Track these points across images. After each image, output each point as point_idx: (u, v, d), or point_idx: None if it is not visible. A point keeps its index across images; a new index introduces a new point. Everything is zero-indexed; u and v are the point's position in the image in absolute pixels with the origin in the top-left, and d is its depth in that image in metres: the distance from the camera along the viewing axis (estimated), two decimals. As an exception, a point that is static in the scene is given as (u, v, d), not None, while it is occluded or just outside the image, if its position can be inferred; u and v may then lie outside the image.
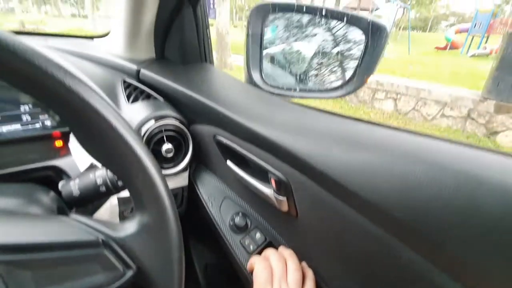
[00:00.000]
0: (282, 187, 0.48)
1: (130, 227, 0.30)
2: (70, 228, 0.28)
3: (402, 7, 11.82)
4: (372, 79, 4.14)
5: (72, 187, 0.39)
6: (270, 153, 0.48)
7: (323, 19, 0.64)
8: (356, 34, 0.64)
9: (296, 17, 0.66)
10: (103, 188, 0.40)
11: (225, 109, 0.53)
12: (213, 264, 0.79)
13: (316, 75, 0.71)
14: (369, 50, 0.63)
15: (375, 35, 0.61)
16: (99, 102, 0.27)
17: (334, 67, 0.70)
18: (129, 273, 0.28)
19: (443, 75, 5.74)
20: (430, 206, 0.30)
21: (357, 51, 0.64)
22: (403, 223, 0.32)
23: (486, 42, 11.15)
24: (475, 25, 10.91)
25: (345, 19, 0.63)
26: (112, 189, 0.40)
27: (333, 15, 0.62)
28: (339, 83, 0.66)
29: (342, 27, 0.64)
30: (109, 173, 0.40)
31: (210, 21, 0.68)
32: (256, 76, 0.64)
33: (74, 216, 0.29)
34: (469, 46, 11.18)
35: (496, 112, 3.19)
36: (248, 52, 0.62)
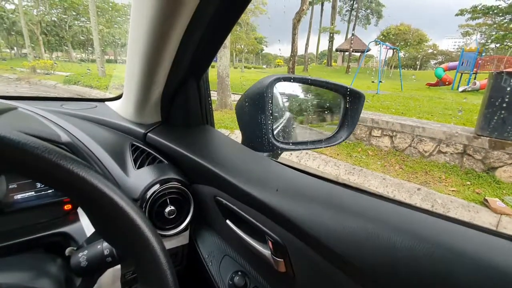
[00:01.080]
0: (279, 249, 0.50)
1: None
2: None
3: (391, 49, 12.61)
4: (367, 117, 4.28)
5: (80, 258, 0.42)
6: (267, 216, 0.51)
7: (313, 87, 0.74)
8: (343, 99, 0.74)
9: (295, 86, 0.76)
10: (109, 259, 0.42)
11: (225, 173, 0.57)
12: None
13: (313, 130, 0.80)
14: (352, 111, 0.71)
15: (355, 99, 0.69)
16: (112, 189, 0.31)
17: (325, 124, 0.79)
18: None
19: (436, 110, 5.94)
20: (412, 276, 0.33)
21: (342, 112, 0.74)
22: None
23: (475, 78, 11.67)
24: (462, 63, 11.52)
25: (336, 87, 0.73)
26: (117, 260, 0.43)
27: (325, 83, 0.72)
28: (329, 135, 0.75)
29: (333, 93, 0.74)
30: (116, 244, 0.43)
31: (212, 63, 0.77)
32: (271, 139, 0.71)
33: None
34: (459, 82, 11.68)
35: (492, 148, 3.25)
36: (265, 119, 0.68)
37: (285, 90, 0.76)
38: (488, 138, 3.26)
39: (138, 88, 0.69)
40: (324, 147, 0.78)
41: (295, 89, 0.79)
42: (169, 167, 0.66)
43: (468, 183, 3.16)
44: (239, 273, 0.61)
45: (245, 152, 0.66)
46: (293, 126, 0.81)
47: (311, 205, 0.46)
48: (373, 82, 11.24)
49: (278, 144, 0.71)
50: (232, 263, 0.63)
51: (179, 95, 0.71)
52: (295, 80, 0.72)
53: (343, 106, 0.75)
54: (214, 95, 6.26)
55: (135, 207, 0.33)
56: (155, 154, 0.69)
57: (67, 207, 0.59)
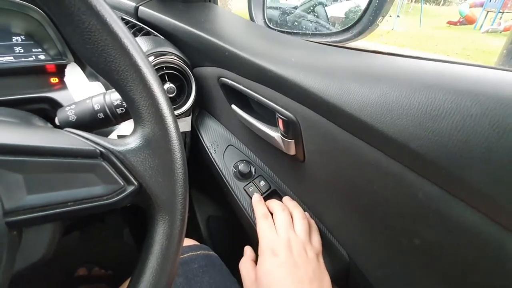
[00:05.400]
0: (290, 128, 0.45)
1: (130, 141, 0.27)
2: (66, 138, 0.26)
3: (416, -23, 11.14)
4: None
5: (68, 112, 0.37)
6: (278, 91, 0.45)
7: None
8: None
9: None
10: (101, 115, 0.37)
11: (231, 46, 0.49)
12: (216, 216, 0.79)
13: (320, 16, 0.66)
14: None
15: None
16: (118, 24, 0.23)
17: (340, 7, 0.65)
18: (130, 189, 0.27)
19: (453, 50, 5.54)
20: (451, 136, 0.27)
21: None
22: (421, 156, 0.30)
23: (501, 18, 10.64)
24: (491, 0, 10.35)
25: None
26: (110, 117, 0.38)
27: None
28: (346, 25, 0.61)
29: None
30: (107, 100, 0.38)
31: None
32: (258, 19, 0.60)
33: (70, 129, 0.27)
34: (483, 22, 10.68)
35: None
36: None
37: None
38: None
39: None
40: (333, 41, 0.65)
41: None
42: (165, 41, 0.57)
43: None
44: (244, 161, 0.58)
45: (254, 28, 0.57)
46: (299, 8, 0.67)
47: (331, 74, 0.39)
48: (390, 16, 10.23)
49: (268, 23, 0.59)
50: (237, 152, 0.60)
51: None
52: None
53: None
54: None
55: (132, 40, 0.26)
56: (149, 29, 0.59)
57: (54, 80, 0.52)
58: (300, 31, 0.63)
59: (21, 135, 0.24)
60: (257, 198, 0.53)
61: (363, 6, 0.60)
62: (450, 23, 12.04)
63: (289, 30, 0.61)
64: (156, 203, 0.28)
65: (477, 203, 0.27)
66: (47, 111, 0.49)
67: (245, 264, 0.46)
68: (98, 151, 0.25)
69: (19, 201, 0.22)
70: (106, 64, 0.26)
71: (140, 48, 0.26)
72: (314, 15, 0.74)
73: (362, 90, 0.35)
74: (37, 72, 0.51)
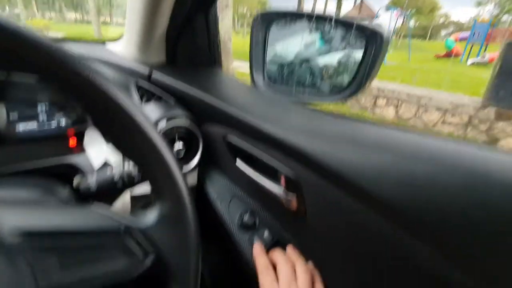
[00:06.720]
0: (291, 185, 0.49)
1: (150, 217, 0.31)
2: (94, 217, 0.29)
3: (402, 15, 11.97)
4: (373, 85, 4.17)
5: (90, 182, 0.41)
6: (280, 151, 0.49)
7: (325, 27, 0.67)
8: (357, 41, 0.66)
9: (299, 24, 0.68)
10: (119, 184, 0.41)
11: (236, 110, 0.55)
12: (220, 264, 0.80)
13: (316, 80, 0.73)
14: (368, 56, 0.64)
15: (375, 42, 0.62)
16: (119, 94, 0.28)
17: (334, 72, 0.72)
18: (148, 261, 0.30)
19: (443, 82, 5.78)
20: (439, 204, 0.31)
21: (357, 57, 0.65)
22: (414, 220, 0.33)
23: (485, 50, 11.26)
24: (473, 34, 11.04)
25: (346, 26, 0.65)
26: (128, 184, 0.42)
27: (335, 22, 0.64)
28: (338, 88, 0.68)
29: (343, 34, 0.67)
30: (125, 169, 0.42)
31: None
32: (258, 80, 0.67)
33: (96, 206, 0.31)
34: (469, 54, 11.29)
35: (497, 119, 3.21)
36: (252, 57, 0.64)
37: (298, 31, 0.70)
38: (495, 108, 3.21)
39: (140, 24, 0.63)
40: (326, 102, 0.71)
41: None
42: (175, 105, 0.63)
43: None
44: (248, 212, 0.61)
45: (256, 93, 0.63)
46: (296, 71, 0.74)
47: (330, 140, 0.44)
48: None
49: (264, 88, 0.66)
50: (241, 204, 0.63)
51: (186, 32, 0.66)
52: (302, 17, 0.65)
53: (363, 53, 0.67)
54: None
55: (143, 114, 0.30)
56: (161, 93, 0.66)
57: (72, 141, 0.57)
58: (298, 90, 0.69)
59: (52, 218, 0.27)
60: (258, 249, 0.54)
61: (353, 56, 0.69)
62: (438, 56, 12.73)
63: (288, 89, 0.67)
64: (171, 274, 0.31)
65: (466, 268, 0.30)
66: (66, 174, 0.53)
67: None
68: (122, 229, 0.29)
69: (53, 280, 0.25)
70: (135, 151, 0.30)
71: (164, 141, 0.31)
72: (308, 66, 0.81)
73: (359, 157, 0.39)
74: (58, 136, 0.56)
